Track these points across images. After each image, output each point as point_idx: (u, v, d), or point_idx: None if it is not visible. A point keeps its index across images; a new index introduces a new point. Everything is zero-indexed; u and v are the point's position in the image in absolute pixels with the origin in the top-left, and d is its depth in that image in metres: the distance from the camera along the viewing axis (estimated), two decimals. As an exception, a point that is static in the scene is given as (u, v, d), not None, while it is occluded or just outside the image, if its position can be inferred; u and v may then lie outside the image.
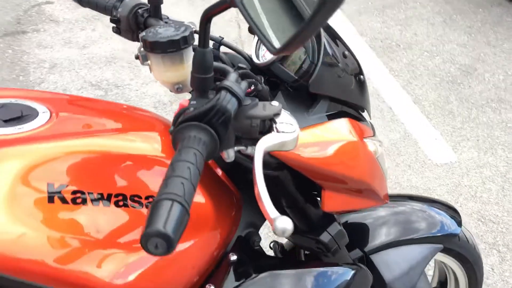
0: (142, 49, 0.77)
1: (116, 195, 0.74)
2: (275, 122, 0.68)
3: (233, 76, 0.66)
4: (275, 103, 0.71)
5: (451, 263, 1.39)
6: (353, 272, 0.97)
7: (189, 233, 0.80)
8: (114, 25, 0.99)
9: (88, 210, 0.71)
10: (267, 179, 0.85)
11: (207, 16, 0.67)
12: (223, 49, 0.95)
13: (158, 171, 0.77)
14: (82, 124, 0.80)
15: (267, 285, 0.86)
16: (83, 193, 0.71)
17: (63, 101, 0.86)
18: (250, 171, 0.66)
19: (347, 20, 3.55)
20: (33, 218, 0.67)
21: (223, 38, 0.94)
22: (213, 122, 0.62)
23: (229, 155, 0.71)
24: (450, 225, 1.29)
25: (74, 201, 0.70)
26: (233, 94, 0.64)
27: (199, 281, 0.84)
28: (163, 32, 0.75)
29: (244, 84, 0.67)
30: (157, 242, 0.51)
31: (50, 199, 0.69)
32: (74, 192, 0.71)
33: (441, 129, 2.66)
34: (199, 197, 0.83)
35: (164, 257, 0.77)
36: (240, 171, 0.96)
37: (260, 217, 1.01)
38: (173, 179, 0.55)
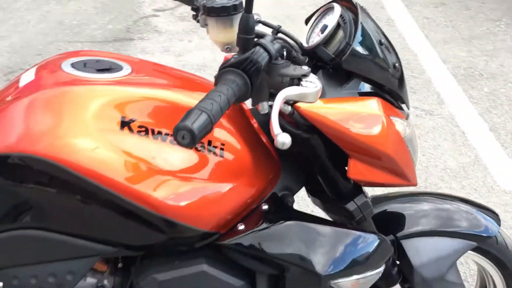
0: (201, 13, 0.97)
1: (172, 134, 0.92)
2: (301, 80, 0.83)
3: (268, 37, 0.83)
4: (305, 67, 0.86)
5: (489, 267, 1.42)
6: (378, 240, 1.07)
7: (228, 177, 0.97)
8: (194, 13, 1.20)
9: (149, 142, 0.90)
10: (300, 140, 1.00)
11: None
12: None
13: None
14: (155, 80, 1.01)
15: (292, 232, 0.99)
16: (146, 128, 0.91)
17: (142, 63, 1.07)
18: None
19: (431, 47, 3.59)
20: (107, 138, 0.88)
21: (280, 26, 1.11)
22: (247, 70, 0.78)
23: (263, 107, 0.87)
24: (487, 226, 1.33)
25: (139, 132, 0.90)
26: (265, 49, 0.80)
27: (232, 220, 0.99)
28: (218, 1, 0.94)
29: (277, 45, 0.83)
30: (184, 134, 0.68)
31: (122, 127, 0.89)
32: (140, 126, 0.90)
33: (515, 158, 2.61)
34: (243, 151, 1.00)
35: (208, 194, 0.94)
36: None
37: (296, 184, 1.14)
38: (206, 100, 0.72)
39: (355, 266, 1.04)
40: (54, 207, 0.91)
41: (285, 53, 0.88)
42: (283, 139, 0.78)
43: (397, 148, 1.02)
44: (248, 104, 1.07)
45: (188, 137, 0.68)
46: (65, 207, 0.91)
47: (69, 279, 0.96)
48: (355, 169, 1.02)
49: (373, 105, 1.00)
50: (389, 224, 1.30)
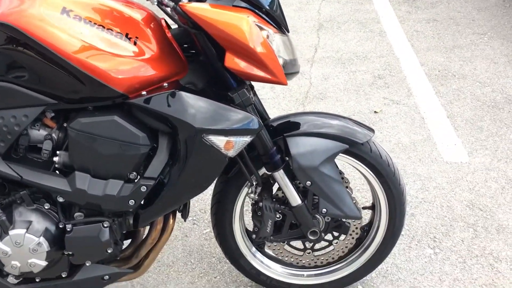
0: None
1: (100, 24, 1.37)
2: None
3: None
4: None
5: (369, 175, 1.75)
6: (249, 117, 1.46)
7: (140, 58, 1.39)
8: None
9: (81, 25, 1.35)
10: (190, 35, 1.43)
11: None
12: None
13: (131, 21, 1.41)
14: None
15: (182, 99, 1.40)
16: (80, 17, 1.36)
17: None
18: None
19: (413, 53, 3.93)
20: (54, 18, 1.33)
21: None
22: None
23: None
24: (359, 134, 1.69)
25: (74, 18, 1.35)
26: None
27: (140, 88, 1.40)
28: None
29: None
30: None
31: (62, 13, 1.34)
32: (75, 15, 1.36)
33: (464, 138, 2.89)
34: (153, 45, 1.43)
35: (124, 65, 1.37)
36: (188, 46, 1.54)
37: (199, 81, 1.55)
38: None
39: (227, 130, 1.43)
40: (18, 64, 1.36)
41: None
42: None
43: (260, 45, 1.42)
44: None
45: None
46: (25, 65, 1.36)
47: (24, 120, 1.40)
48: (230, 60, 1.42)
49: (243, 13, 1.41)
50: (282, 128, 1.68)
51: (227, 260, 1.92)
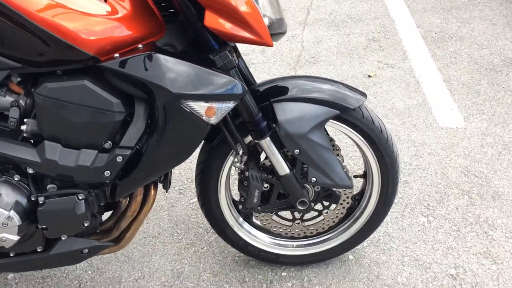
0: None
1: None
2: None
3: None
4: None
5: (361, 143, 1.66)
6: (232, 82, 1.35)
7: (113, 18, 1.28)
8: None
9: None
10: None
11: None
12: None
13: None
14: None
15: (158, 62, 1.28)
16: None
17: None
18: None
19: (410, 15, 3.79)
20: None
21: None
22: None
23: None
24: (350, 99, 1.59)
25: None
26: None
27: (111, 51, 1.28)
28: None
29: None
30: None
31: None
32: None
33: (460, 103, 2.80)
34: (127, 4, 1.30)
35: (95, 25, 1.25)
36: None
37: (178, 43, 1.44)
38: None
39: (208, 95, 1.33)
40: None
41: None
42: None
43: (243, 3, 1.30)
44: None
45: None
46: None
47: (-13, 85, 1.30)
48: (210, 19, 1.31)
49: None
50: (269, 94, 1.58)
51: (214, 232, 1.86)
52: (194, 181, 2.29)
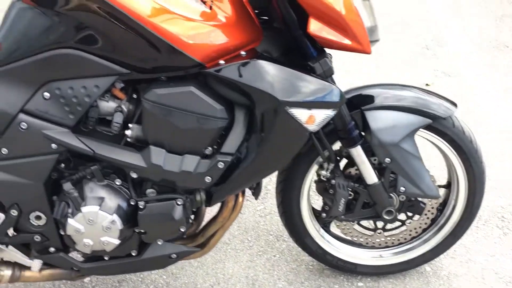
0: None
1: None
2: None
3: None
4: None
5: (450, 152, 1.63)
6: (333, 89, 1.35)
7: (216, 24, 1.28)
8: None
9: None
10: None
11: None
12: None
13: None
14: None
15: (263, 69, 1.29)
16: None
17: None
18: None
19: (460, 21, 3.75)
20: None
21: None
22: None
23: None
24: (442, 107, 1.57)
25: None
26: None
27: (216, 57, 1.29)
28: None
29: None
30: None
31: None
32: None
33: None
34: (228, 10, 1.31)
35: (201, 32, 1.27)
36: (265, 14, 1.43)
37: (275, 50, 1.44)
38: None
39: (310, 102, 1.33)
40: (87, 30, 1.25)
41: None
42: None
43: (347, 10, 1.29)
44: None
45: None
46: (96, 31, 1.25)
47: (95, 91, 1.30)
48: (314, 26, 1.30)
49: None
50: (359, 102, 1.57)
51: (285, 239, 1.85)
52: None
